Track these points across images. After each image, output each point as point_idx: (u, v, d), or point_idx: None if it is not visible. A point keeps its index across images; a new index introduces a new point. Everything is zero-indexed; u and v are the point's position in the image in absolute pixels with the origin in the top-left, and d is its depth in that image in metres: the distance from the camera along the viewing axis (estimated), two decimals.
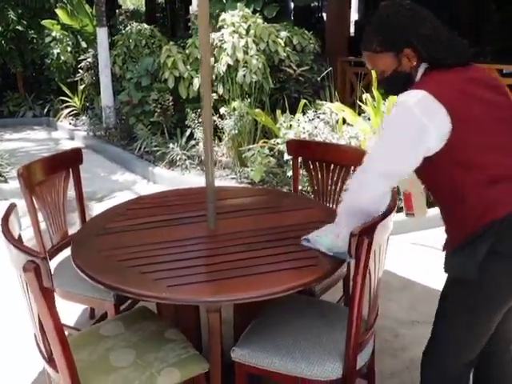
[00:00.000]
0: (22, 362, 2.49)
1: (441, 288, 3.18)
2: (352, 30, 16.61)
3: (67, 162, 2.50)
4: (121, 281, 1.60)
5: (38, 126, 9.01)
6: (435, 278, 3.30)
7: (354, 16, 18.63)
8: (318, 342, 1.78)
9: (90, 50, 8.37)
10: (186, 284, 1.62)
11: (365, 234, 1.45)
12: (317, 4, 15.83)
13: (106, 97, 7.24)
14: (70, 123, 8.41)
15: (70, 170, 2.53)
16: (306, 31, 6.64)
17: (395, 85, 1.56)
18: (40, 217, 2.35)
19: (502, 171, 1.43)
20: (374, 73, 4.74)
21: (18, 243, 1.38)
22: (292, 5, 10.31)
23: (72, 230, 2.54)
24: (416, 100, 1.41)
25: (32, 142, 7.71)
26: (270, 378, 1.79)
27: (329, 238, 1.72)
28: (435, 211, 4.39)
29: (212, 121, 2.43)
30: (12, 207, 1.64)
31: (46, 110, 9.23)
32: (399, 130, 1.46)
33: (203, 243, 1.93)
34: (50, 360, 1.57)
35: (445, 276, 3.48)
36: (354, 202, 1.60)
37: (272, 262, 1.75)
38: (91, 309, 2.74)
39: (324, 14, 13.20)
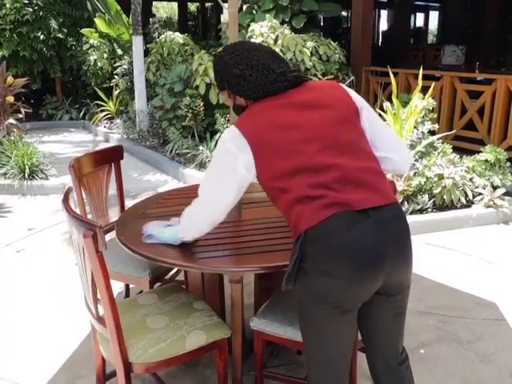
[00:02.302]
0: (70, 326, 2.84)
1: (446, 283, 3.43)
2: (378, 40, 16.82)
3: (110, 157, 2.82)
4: (159, 253, 1.90)
5: (74, 128, 9.50)
6: (441, 274, 3.56)
7: (384, 27, 18.82)
8: None
9: (125, 57, 8.81)
10: (214, 257, 1.92)
11: None
12: (346, 14, 16.09)
13: (140, 102, 7.63)
14: (105, 126, 8.85)
15: (113, 164, 2.85)
16: (331, 41, 6.91)
17: (239, 114, 1.78)
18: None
19: (302, 192, 1.53)
20: (394, 82, 4.99)
21: (79, 216, 1.70)
22: (321, 15, 10.60)
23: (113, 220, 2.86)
24: (229, 135, 1.65)
25: (69, 143, 8.15)
26: (283, 345, 2.07)
27: (169, 234, 1.96)
28: (448, 215, 4.63)
29: None
30: (69, 190, 1.96)
31: (82, 113, 9.73)
32: (218, 162, 1.71)
33: (229, 227, 2.22)
34: (99, 318, 1.88)
35: (450, 273, 3.75)
36: (194, 223, 1.86)
37: (284, 242, 2.02)
38: (126, 290, 3.05)
39: None
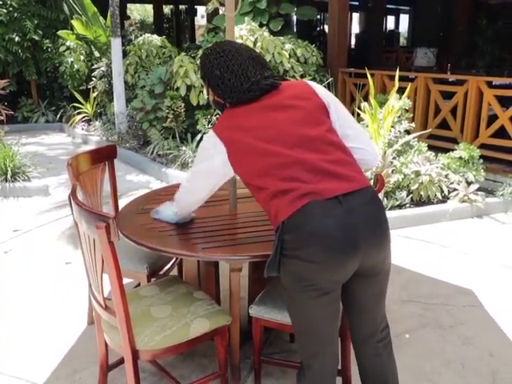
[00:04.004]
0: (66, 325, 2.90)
1: (426, 273, 3.60)
2: (353, 42, 17.13)
3: (105, 156, 2.89)
4: (164, 245, 2.00)
5: (50, 131, 9.43)
6: (421, 265, 3.73)
7: (356, 29, 19.15)
8: None
9: (103, 59, 8.80)
10: (216, 247, 2.03)
11: None
12: (319, 17, 16.34)
13: (120, 103, 7.65)
14: (83, 129, 8.83)
15: (107, 163, 2.92)
16: (309, 44, 7.08)
17: (219, 109, 1.98)
18: None
19: (275, 188, 1.67)
20: (371, 84, 5.17)
21: (91, 209, 1.78)
22: (295, 18, 10.79)
23: None
24: (207, 138, 1.84)
25: (48, 145, 8.12)
26: (281, 330, 2.18)
27: (170, 212, 2.22)
28: (425, 210, 4.82)
29: None
30: (75, 186, 2.04)
31: (58, 116, 9.66)
32: (199, 160, 1.91)
33: (226, 220, 2.33)
34: (106, 307, 1.96)
35: (430, 264, 3.92)
36: (182, 203, 2.12)
37: None
38: None
39: (326, 27, 13.70)
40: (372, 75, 5.74)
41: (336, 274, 1.63)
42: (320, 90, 1.86)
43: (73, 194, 1.94)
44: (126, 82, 7.78)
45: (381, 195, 2.05)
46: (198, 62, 1.99)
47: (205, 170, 1.88)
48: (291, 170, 1.66)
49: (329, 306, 1.72)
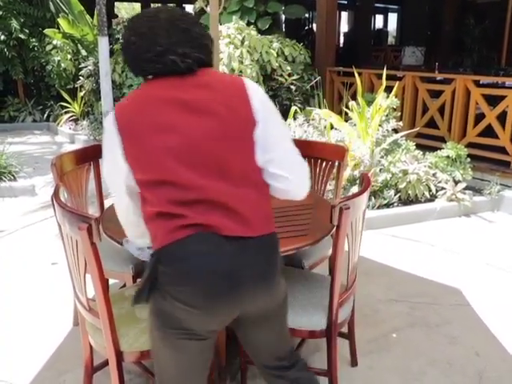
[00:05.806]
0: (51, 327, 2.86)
1: (413, 272, 3.60)
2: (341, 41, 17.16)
3: (90, 156, 2.86)
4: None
5: (38, 130, 9.35)
6: (409, 264, 3.73)
7: (344, 28, 19.20)
8: (306, 300, 2.16)
9: (90, 57, 8.73)
10: None
11: (344, 206, 1.83)
12: (307, 16, 16.35)
13: (107, 103, 7.57)
14: (70, 128, 8.75)
15: (92, 162, 2.89)
16: (296, 43, 7.08)
17: None
18: None
19: (164, 208, 1.39)
20: (359, 82, 5.17)
21: (73, 210, 1.75)
22: (283, 17, 10.78)
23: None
24: (110, 119, 1.44)
25: (35, 145, 8.05)
26: None
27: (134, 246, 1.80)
28: (413, 209, 4.83)
29: None
30: (58, 186, 2.01)
31: (45, 115, 9.58)
32: (105, 146, 1.49)
33: None
34: (90, 308, 1.93)
35: (417, 263, 3.92)
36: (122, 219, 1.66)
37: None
38: None
39: (314, 25, 13.72)
40: (360, 74, 5.75)
41: (211, 322, 1.45)
42: (256, 99, 1.47)
43: (55, 194, 1.92)
44: (113, 81, 7.71)
45: (366, 194, 2.04)
46: None
47: (115, 162, 1.46)
48: (188, 195, 1.38)
49: (201, 353, 1.52)
